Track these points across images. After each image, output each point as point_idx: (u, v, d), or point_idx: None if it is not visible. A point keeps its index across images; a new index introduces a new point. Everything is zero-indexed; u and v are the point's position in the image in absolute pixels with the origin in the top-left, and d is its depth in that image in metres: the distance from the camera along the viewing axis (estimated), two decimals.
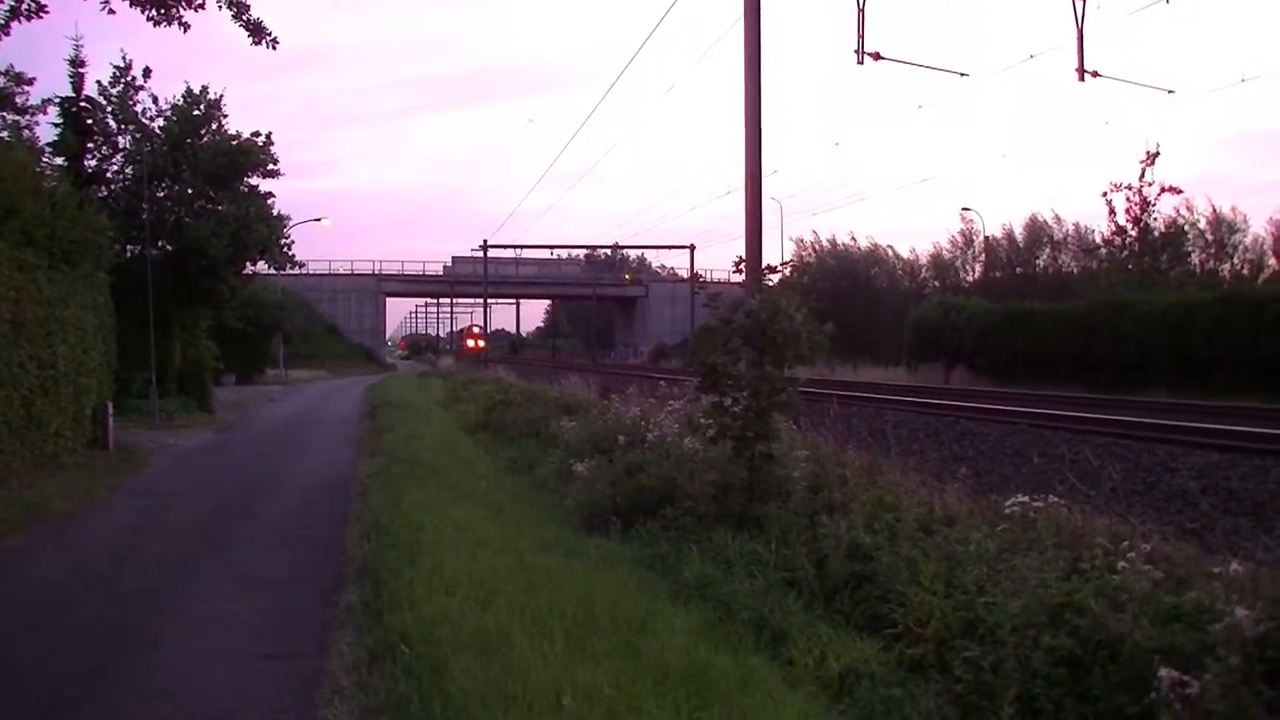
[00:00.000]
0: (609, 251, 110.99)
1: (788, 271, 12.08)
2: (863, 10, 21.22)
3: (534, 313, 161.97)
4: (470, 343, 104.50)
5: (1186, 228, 56.05)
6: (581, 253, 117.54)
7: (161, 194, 27.61)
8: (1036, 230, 70.30)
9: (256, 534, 10.88)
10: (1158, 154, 46.32)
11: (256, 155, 28.48)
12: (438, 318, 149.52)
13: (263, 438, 23.39)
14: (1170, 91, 25.35)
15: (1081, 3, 22.73)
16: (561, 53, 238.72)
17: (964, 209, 66.52)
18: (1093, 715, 4.56)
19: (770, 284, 10.91)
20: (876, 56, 21.64)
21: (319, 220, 57.38)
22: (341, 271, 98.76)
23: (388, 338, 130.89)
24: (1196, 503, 9.50)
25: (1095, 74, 23.39)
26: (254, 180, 28.91)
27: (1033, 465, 10.04)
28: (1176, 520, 8.29)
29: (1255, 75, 51.17)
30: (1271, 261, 58.10)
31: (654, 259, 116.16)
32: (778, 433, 9.11)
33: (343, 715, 5.41)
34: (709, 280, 72.92)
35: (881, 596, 6.26)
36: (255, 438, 23.47)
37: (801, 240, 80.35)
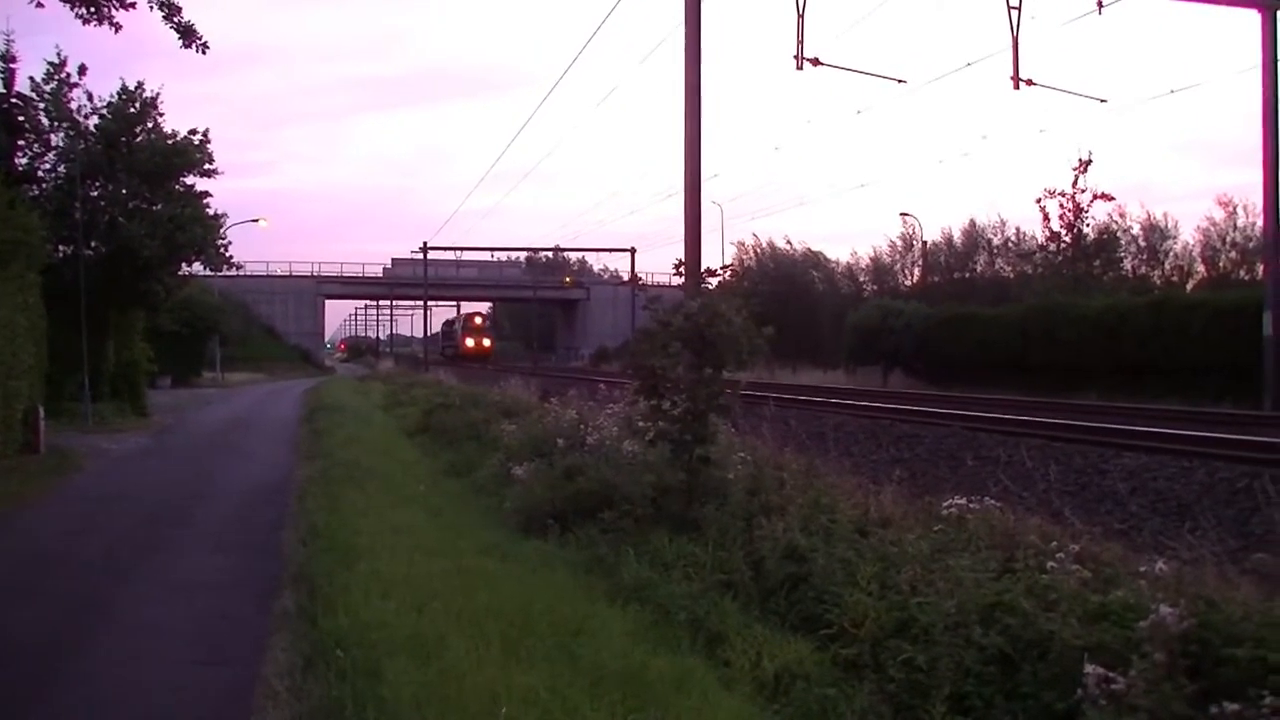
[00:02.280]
0: (550, 254, 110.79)
1: (728, 275, 12.13)
2: (802, 16, 21.41)
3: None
4: (470, 341, 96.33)
5: (1119, 234, 57.09)
6: (523, 255, 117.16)
7: (95, 193, 27.15)
8: (974, 235, 71.18)
9: (192, 538, 10.74)
10: (1090, 161, 47.22)
11: (193, 154, 28.09)
12: (378, 320, 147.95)
13: (199, 441, 23.08)
14: (1103, 100, 25.81)
15: (1017, 13, 23.10)
16: (505, 54, 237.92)
17: (903, 214, 67.25)
18: (1022, 712, 4.64)
19: (710, 287, 10.96)
20: (816, 62, 21.84)
21: (256, 221, 56.87)
22: (280, 273, 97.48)
23: (327, 340, 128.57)
24: (1125, 503, 9.67)
25: (1030, 82, 23.78)
26: (190, 180, 28.53)
27: (968, 467, 10.20)
28: (1106, 521, 8.44)
29: (1185, 86, 52.34)
30: (1200, 268, 59.29)
31: (595, 261, 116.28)
32: (716, 435, 9.16)
33: None
34: (650, 283, 73.06)
35: (817, 597, 6.31)
36: (191, 441, 23.15)
37: (742, 244, 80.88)
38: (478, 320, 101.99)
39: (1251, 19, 25.03)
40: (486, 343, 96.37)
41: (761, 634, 6.17)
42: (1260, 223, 34.26)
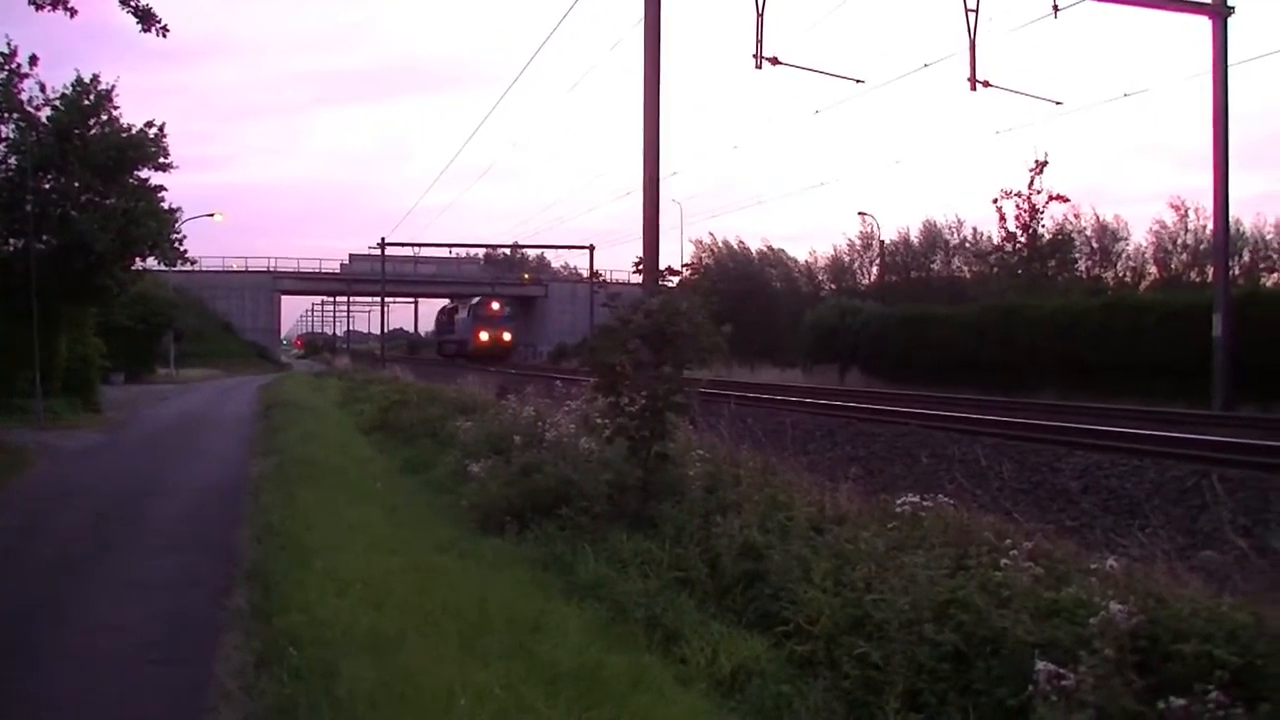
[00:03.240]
0: (509, 251, 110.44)
1: (687, 273, 12.16)
2: (761, 15, 21.51)
3: (433, 311, 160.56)
4: (484, 334, 76.69)
5: (1073, 235, 57.75)
6: (481, 251, 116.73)
7: (47, 186, 26.68)
8: (932, 235, 71.72)
9: (145, 536, 10.62)
10: (1046, 163, 47.76)
11: (148, 148, 27.68)
12: (334, 316, 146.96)
13: (153, 438, 22.82)
14: (1058, 103, 26.10)
15: (974, 15, 23.32)
16: (466, 49, 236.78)
17: (861, 213, 67.67)
18: (975, 708, 4.68)
19: (670, 285, 10.98)
20: (775, 61, 21.96)
21: (212, 215, 56.20)
22: (236, 268, 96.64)
23: (283, 336, 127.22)
24: (1078, 501, 9.79)
25: (986, 84, 24.04)
26: (145, 174, 28.14)
27: (923, 465, 10.27)
28: (1058, 518, 8.55)
29: (1137, 90, 52.92)
30: (1152, 269, 60.06)
31: (554, 259, 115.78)
32: (673, 433, 9.19)
33: None
34: (609, 280, 73.11)
35: (773, 595, 6.34)
36: (145, 438, 22.89)
37: (701, 242, 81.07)
38: (494, 307, 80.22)
39: (1203, 25, 25.37)
40: (507, 337, 78.61)
41: (718, 631, 6.20)
42: (1210, 225, 34.77)
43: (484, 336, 76.04)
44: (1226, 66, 24.84)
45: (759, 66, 21.90)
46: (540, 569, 8.09)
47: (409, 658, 5.57)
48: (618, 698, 5.17)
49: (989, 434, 14.83)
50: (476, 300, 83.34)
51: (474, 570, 7.93)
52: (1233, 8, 24.95)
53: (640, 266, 12.39)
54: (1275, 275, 52.67)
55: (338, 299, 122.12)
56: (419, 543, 9.11)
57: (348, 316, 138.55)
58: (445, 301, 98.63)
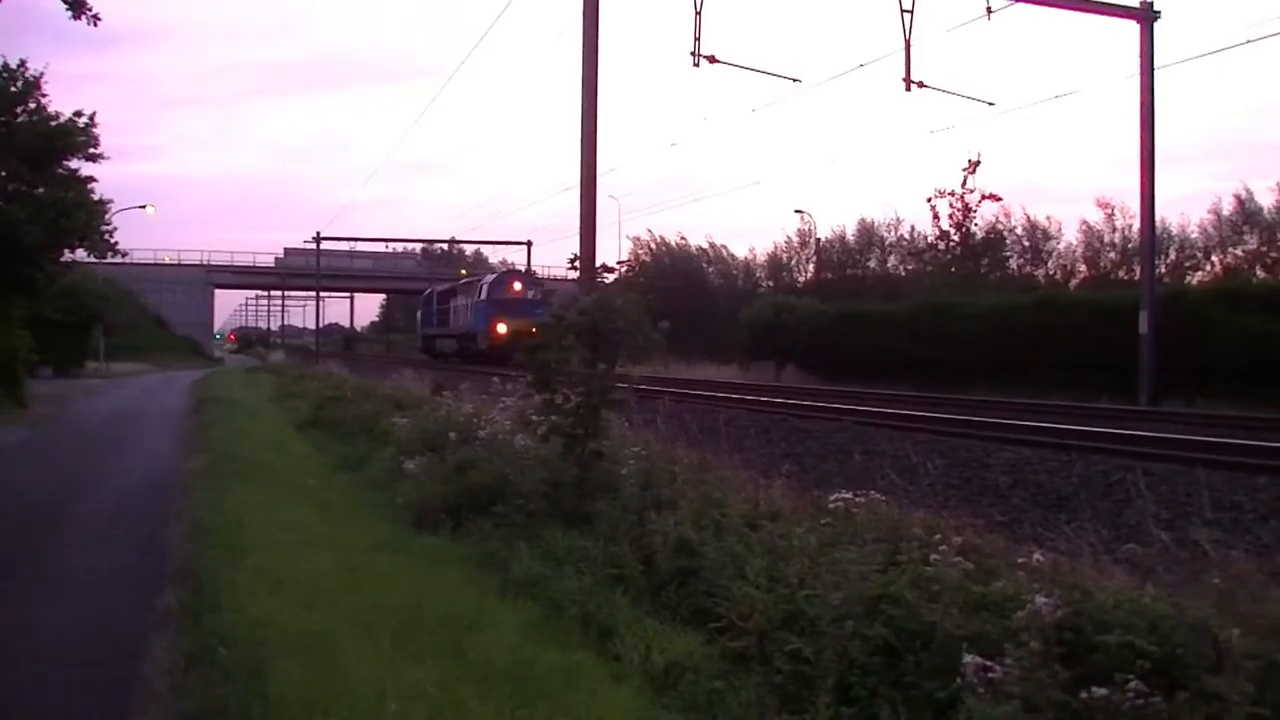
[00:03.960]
0: (446, 246, 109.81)
1: (623, 270, 12.18)
2: (699, 14, 21.57)
3: (369, 307, 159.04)
4: (502, 326, 49.31)
5: (1005, 234, 58.58)
6: (418, 246, 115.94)
7: None
8: (868, 233, 72.31)
9: (73, 534, 10.41)
10: (979, 163, 48.44)
11: (78, 137, 27.19)
12: (268, 311, 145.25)
13: (81, 434, 22.40)
14: (990, 104, 26.43)
15: (909, 16, 23.56)
16: (406, 41, 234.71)
17: (798, 210, 68.07)
18: (904, 701, 4.74)
19: (606, 282, 10.99)
20: (712, 59, 22.04)
21: (144, 207, 55.42)
22: (168, 262, 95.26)
23: (217, 331, 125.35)
24: (1008, 496, 9.93)
25: (921, 84, 24.31)
26: (75, 164, 27.62)
27: (856, 461, 10.38)
28: (988, 513, 8.65)
29: (1068, 91, 53.62)
30: (1083, 268, 61.04)
31: (492, 254, 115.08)
32: (609, 430, 9.21)
33: None
34: (547, 277, 72.97)
35: (707, 591, 6.37)
36: (73, 433, 22.46)
37: (638, 238, 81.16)
38: (517, 287, 54.80)
39: (1131, 29, 25.84)
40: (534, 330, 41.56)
41: (652, 628, 6.21)
42: (1136, 224, 35.42)
43: (503, 329, 48.89)
44: (1153, 69, 25.35)
45: (696, 64, 22.00)
46: (475, 567, 8.07)
47: (341, 657, 5.53)
48: (551, 695, 5.17)
49: (921, 430, 15.01)
50: (492, 278, 56.93)
51: (408, 568, 7.89)
52: (1159, 13, 25.46)
53: (576, 263, 12.35)
54: (1200, 274, 53.70)
55: (272, 293, 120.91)
56: (353, 541, 9.04)
57: (282, 311, 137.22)
58: (448, 283, 72.65)
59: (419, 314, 77.91)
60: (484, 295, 55.32)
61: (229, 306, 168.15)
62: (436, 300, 70.31)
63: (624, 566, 7.22)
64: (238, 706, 5.00)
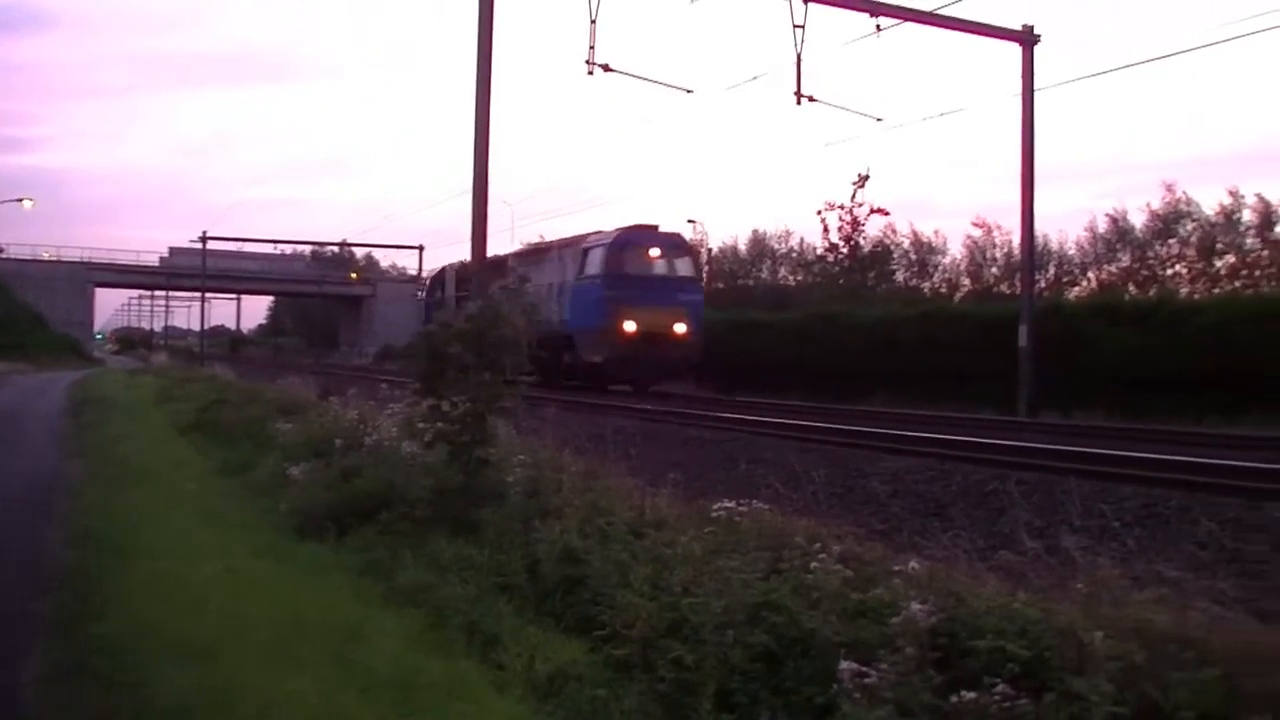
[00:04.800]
0: (337, 248, 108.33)
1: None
2: (594, 22, 21.59)
3: (257, 309, 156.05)
4: (630, 324, 30.34)
5: (893, 247, 59.78)
6: (308, 248, 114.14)
7: None
8: (759, 244, 73.05)
9: None
10: (868, 177, 49.30)
11: None
12: (152, 311, 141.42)
13: None
14: (879, 119, 26.92)
15: (801, 31, 23.91)
16: (305, 39, 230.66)
17: (691, 220, 68.49)
18: (784, 707, 4.82)
19: (499, 286, 10.93)
20: (606, 68, 22.12)
21: (21, 201, 53.66)
22: (48, 258, 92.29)
23: (98, 330, 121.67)
24: (888, 505, 10.13)
25: (811, 98, 24.71)
26: None
27: (742, 470, 10.49)
28: (869, 521, 8.83)
29: (953, 109, 55.07)
30: (967, 281, 62.51)
31: (384, 258, 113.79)
32: (495, 438, 9.19)
33: None
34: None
35: (592, 599, 6.38)
36: None
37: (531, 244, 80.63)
38: (655, 254, 32.97)
39: (1014, 51, 26.60)
40: (681, 328, 31.83)
41: (536, 636, 6.21)
42: (1015, 240, 36.46)
43: (632, 326, 31.02)
44: (1033, 90, 26.13)
45: (590, 73, 22.05)
46: (359, 575, 7.97)
47: (223, 666, 5.44)
48: (434, 704, 5.15)
49: (807, 440, 15.24)
50: (610, 239, 33.17)
51: (291, 576, 7.77)
52: (1039, 36, 26.27)
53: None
54: (1077, 289, 55.43)
55: (156, 293, 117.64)
56: (236, 548, 8.86)
57: (166, 312, 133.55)
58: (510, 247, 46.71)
59: (425, 311, 47.01)
60: (597, 268, 31.89)
61: (111, 305, 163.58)
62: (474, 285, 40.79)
63: (509, 575, 7.20)
64: (117, 717, 4.90)
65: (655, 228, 33.64)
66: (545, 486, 8.57)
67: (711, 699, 4.98)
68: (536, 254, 38.63)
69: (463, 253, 15.01)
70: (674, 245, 33.86)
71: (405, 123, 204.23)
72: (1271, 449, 14.80)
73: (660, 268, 32.88)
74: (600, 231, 34.09)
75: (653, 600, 5.90)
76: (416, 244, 74.67)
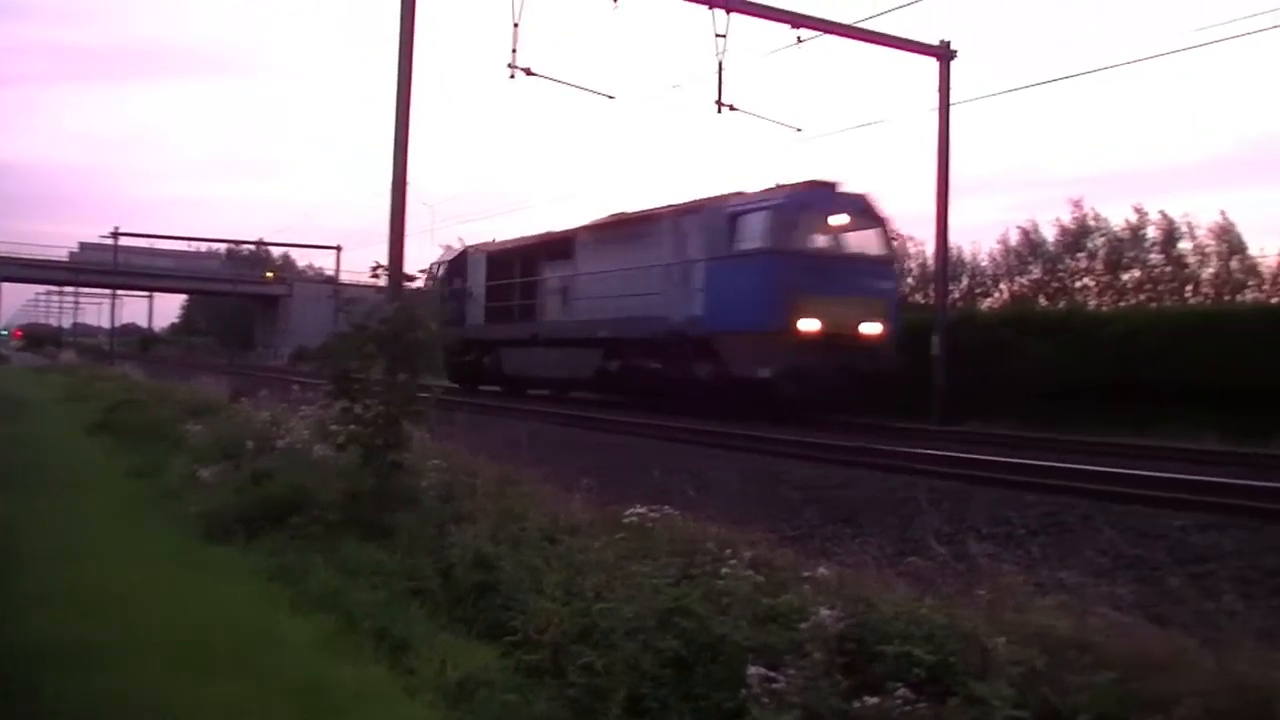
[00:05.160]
0: (253, 247, 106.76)
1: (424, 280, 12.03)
2: (517, 26, 21.52)
3: (170, 307, 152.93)
4: (808, 320, 21.11)
5: None
6: (223, 247, 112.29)
7: None
8: None
9: None
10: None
11: None
12: (60, 308, 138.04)
13: None
14: (799, 130, 27.08)
15: (723, 40, 24.04)
16: (227, 37, 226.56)
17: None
18: (693, 712, 4.84)
19: (412, 289, 10.90)
20: (528, 72, 22.09)
21: None
22: None
23: (2, 327, 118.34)
24: (801, 511, 10.23)
25: (732, 107, 24.87)
26: None
27: (656, 476, 10.50)
28: (782, 528, 8.93)
29: (871, 121, 55.83)
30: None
31: (301, 258, 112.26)
32: (409, 441, 9.13)
33: None
34: (356, 283, 71.53)
35: (504, 605, 6.37)
36: None
37: (449, 248, 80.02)
38: (840, 222, 23.16)
39: (932, 65, 27.03)
40: (876, 329, 22.39)
41: (448, 641, 6.17)
42: (930, 250, 37.03)
43: (813, 325, 21.30)
44: (949, 104, 26.58)
45: (512, 76, 22.00)
46: (269, 579, 7.84)
47: (125, 674, 5.35)
48: (343, 711, 5.12)
49: (723, 447, 15.34)
50: (779, 200, 23.01)
51: (198, 580, 7.63)
52: (955, 51, 26.74)
53: (379, 270, 12.19)
54: (990, 300, 56.41)
55: (65, 289, 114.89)
56: (142, 551, 8.70)
57: (75, 308, 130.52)
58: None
59: (450, 298, 34.73)
60: (758, 239, 22.85)
61: (17, 301, 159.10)
62: (546, 258, 31.93)
63: (422, 580, 7.16)
64: None
65: (835, 185, 23.67)
66: (459, 491, 8.57)
67: (621, 704, 4.99)
68: (626, 227, 27.84)
69: (379, 254, 14.78)
70: (862, 210, 23.81)
71: (324, 122, 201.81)
72: (1174, 459, 15.23)
73: (849, 242, 23.61)
74: (746, 192, 24.40)
75: (565, 606, 5.90)
76: (334, 244, 73.72)
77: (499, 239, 37.56)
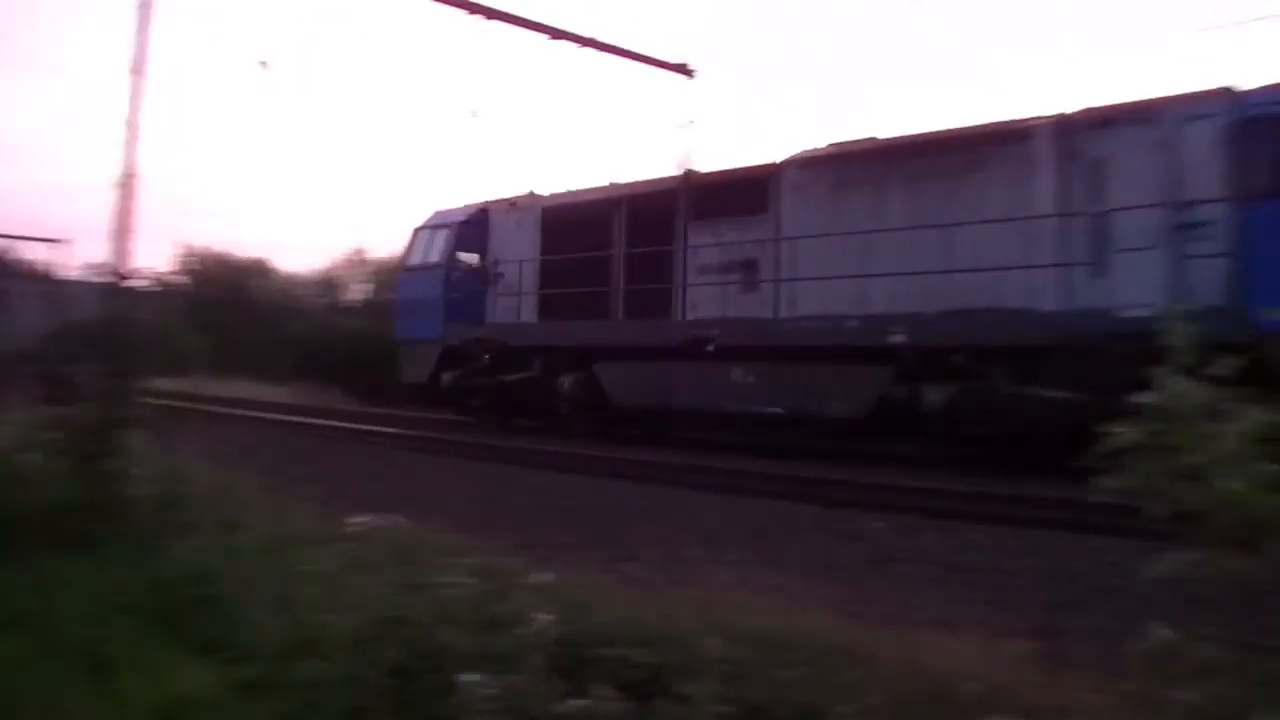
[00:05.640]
0: None
1: (159, 278, 11.53)
2: (263, 24, 20.71)
3: None
4: None
5: None
6: None
7: None
8: None
9: None
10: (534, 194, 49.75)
11: None
12: None
13: None
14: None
15: (478, 48, 23.85)
16: None
17: (355, 228, 66.79)
18: None
19: (138, 288, 10.42)
20: (268, 66, 21.46)
21: None
22: None
23: None
24: (537, 518, 10.33)
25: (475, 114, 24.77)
26: None
27: (385, 482, 10.41)
28: (511, 535, 8.99)
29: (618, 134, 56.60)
30: None
31: (24, 252, 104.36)
32: (126, 448, 8.72)
33: None
34: (86, 280, 67.17)
35: (223, 619, 6.17)
36: None
37: (190, 246, 76.24)
38: None
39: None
40: None
41: (160, 659, 5.93)
42: None
43: None
44: (690, 121, 27.14)
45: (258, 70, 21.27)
46: None
47: None
48: None
49: (453, 455, 15.30)
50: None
51: None
52: (693, 71, 27.65)
53: (98, 267, 11.58)
54: None
55: None
56: None
57: None
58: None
59: (453, 283, 24.23)
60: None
61: None
62: (696, 216, 19.68)
63: (135, 594, 6.85)
64: None
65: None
66: (179, 501, 8.22)
67: (339, 716, 4.93)
68: (946, 152, 16.16)
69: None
70: None
71: (56, 106, 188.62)
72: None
73: None
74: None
75: (285, 618, 5.78)
76: (65, 238, 68.72)
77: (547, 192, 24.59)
